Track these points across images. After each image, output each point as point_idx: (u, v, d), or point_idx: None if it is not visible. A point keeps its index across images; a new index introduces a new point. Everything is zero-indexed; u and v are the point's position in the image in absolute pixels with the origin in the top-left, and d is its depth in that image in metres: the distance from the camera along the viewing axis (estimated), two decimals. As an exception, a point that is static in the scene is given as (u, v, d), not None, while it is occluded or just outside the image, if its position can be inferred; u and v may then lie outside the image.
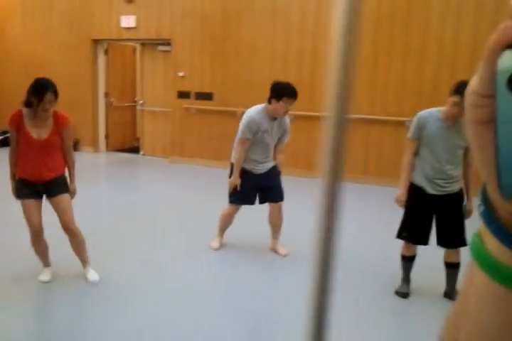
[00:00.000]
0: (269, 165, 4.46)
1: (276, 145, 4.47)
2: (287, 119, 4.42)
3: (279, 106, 4.10)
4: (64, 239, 3.77)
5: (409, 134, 3.55)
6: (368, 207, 6.12)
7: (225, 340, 3.11)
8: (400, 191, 3.63)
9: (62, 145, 3.70)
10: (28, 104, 3.52)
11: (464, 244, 3.61)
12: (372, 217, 5.68)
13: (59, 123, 3.61)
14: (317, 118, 7.62)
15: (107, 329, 3.15)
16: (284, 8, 7.70)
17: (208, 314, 3.41)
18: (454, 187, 3.54)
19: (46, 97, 3.43)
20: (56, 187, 3.71)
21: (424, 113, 3.51)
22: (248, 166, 4.39)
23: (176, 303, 3.54)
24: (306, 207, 6.18)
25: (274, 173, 4.52)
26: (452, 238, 3.62)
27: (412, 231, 3.69)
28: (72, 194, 3.78)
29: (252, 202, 4.52)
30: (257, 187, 4.48)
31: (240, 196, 4.46)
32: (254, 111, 4.26)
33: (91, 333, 3.12)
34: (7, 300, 3.54)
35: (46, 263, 3.90)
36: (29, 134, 3.56)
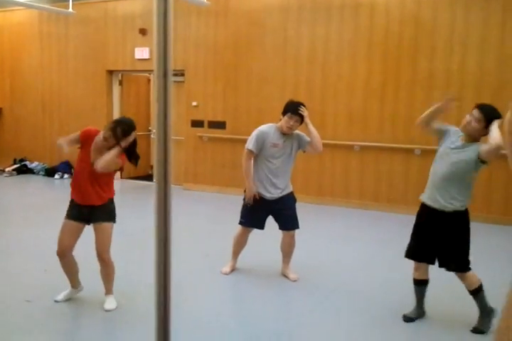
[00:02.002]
0: (283, 191, 4.50)
1: (310, 143, 4.46)
2: (304, 136, 4.49)
3: (283, 121, 4.34)
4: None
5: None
6: (378, 233, 6.18)
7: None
8: None
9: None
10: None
11: (463, 268, 3.55)
12: (383, 243, 5.73)
13: None
14: (328, 145, 7.74)
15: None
16: (294, 39, 7.92)
17: (218, 338, 3.47)
18: (453, 206, 3.49)
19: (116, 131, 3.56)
20: (102, 213, 3.76)
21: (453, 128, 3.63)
22: (259, 190, 4.46)
23: (187, 327, 3.60)
24: (316, 233, 6.26)
25: (288, 200, 4.56)
26: (449, 260, 3.57)
27: (415, 249, 3.69)
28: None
29: (261, 227, 4.58)
30: (268, 213, 4.55)
31: (250, 218, 4.54)
32: (265, 125, 4.50)
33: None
34: (22, 321, 3.62)
35: (72, 284, 3.98)
36: (88, 155, 3.68)
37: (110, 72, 9.74)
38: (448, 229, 3.54)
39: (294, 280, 4.54)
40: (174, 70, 8.92)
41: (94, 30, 9.67)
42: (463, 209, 3.51)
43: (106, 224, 3.78)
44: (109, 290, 3.92)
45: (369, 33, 7.43)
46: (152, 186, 9.51)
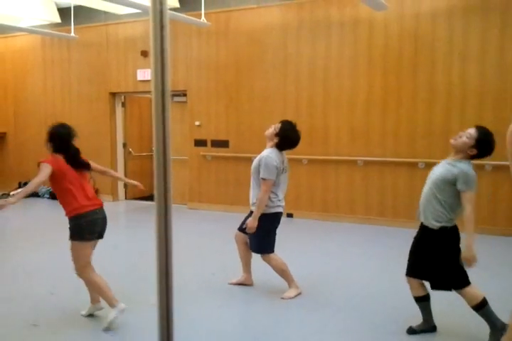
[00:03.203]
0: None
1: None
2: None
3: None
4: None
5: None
6: (384, 248, 6.13)
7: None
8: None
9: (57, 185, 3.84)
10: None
11: (454, 285, 3.48)
12: (389, 258, 5.68)
13: None
14: (332, 161, 7.75)
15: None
16: (294, 56, 7.99)
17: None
18: (429, 221, 3.48)
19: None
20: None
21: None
22: (278, 209, 4.42)
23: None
24: (321, 250, 6.22)
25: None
26: (436, 277, 3.53)
27: (407, 264, 3.71)
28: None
29: None
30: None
31: (273, 241, 4.48)
32: (267, 151, 4.43)
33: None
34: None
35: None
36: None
37: (113, 94, 9.82)
38: (433, 245, 3.50)
39: (287, 298, 4.47)
40: (176, 91, 9.02)
41: (97, 53, 9.78)
42: (449, 225, 3.45)
43: (70, 242, 3.79)
44: (109, 303, 3.84)
45: (368, 49, 7.49)
46: (155, 206, 9.49)
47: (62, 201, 3.83)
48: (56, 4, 9.58)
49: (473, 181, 3.35)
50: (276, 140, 4.42)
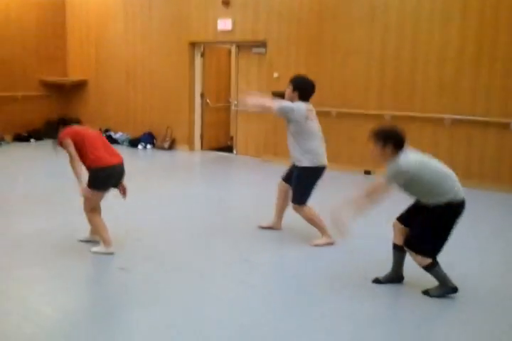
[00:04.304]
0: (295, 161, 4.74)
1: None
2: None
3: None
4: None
5: None
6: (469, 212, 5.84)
7: None
8: None
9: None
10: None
11: (413, 246, 3.55)
12: (475, 221, 5.41)
13: None
14: (417, 119, 7.40)
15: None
16: (382, 7, 7.55)
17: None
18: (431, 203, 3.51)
19: None
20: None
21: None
22: (321, 160, 4.60)
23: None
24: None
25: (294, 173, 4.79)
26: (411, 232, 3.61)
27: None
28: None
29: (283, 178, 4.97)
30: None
31: (308, 195, 4.65)
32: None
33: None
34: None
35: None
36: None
37: (193, 44, 9.74)
38: (432, 213, 3.53)
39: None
40: (256, 41, 8.82)
41: (177, 2, 9.66)
42: (441, 203, 3.47)
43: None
44: (103, 242, 4.32)
45: (464, -1, 6.94)
46: (231, 157, 9.60)
47: (85, 156, 4.15)
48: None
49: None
50: (296, 95, 4.57)
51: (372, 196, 3.50)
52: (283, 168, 5.14)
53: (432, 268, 3.54)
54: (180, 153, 9.85)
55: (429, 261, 3.52)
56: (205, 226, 5.27)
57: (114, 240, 4.37)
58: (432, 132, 7.36)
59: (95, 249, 4.34)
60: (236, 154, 9.78)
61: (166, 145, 10.01)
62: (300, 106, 4.50)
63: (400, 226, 3.70)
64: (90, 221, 4.34)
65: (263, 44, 8.86)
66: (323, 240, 4.69)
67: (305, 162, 4.54)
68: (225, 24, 9.09)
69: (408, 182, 3.45)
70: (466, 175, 7.17)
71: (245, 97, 4.76)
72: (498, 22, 6.74)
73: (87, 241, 4.58)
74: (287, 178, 4.84)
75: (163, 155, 9.70)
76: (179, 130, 10.04)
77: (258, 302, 3.54)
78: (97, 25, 10.94)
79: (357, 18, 7.77)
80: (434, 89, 7.30)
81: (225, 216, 5.77)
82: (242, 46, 9.46)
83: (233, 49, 10.04)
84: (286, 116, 4.51)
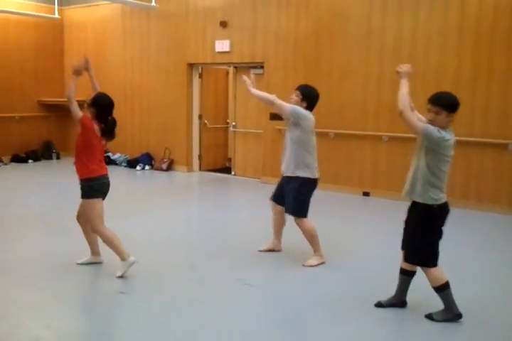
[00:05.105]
0: (286, 171, 4.73)
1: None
2: None
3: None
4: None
5: None
6: (466, 233, 5.82)
7: None
8: None
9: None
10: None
11: (413, 260, 3.54)
12: (475, 245, 5.38)
13: None
14: (413, 139, 7.39)
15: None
16: (379, 29, 7.62)
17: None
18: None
19: None
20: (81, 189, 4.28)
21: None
22: (317, 174, 4.61)
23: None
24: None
25: (288, 184, 4.75)
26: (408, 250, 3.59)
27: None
28: None
29: (275, 200, 4.88)
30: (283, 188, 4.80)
31: (308, 206, 4.63)
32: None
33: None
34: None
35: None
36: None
37: (191, 65, 9.81)
38: (416, 219, 3.58)
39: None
40: (254, 62, 8.88)
41: (176, 23, 9.76)
42: (429, 202, 3.49)
43: (83, 201, 4.30)
44: (120, 257, 4.26)
45: (460, 22, 7.00)
46: (229, 178, 9.58)
47: (85, 165, 4.23)
48: (138, -27, 9.60)
49: None
50: (305, 104, 4.65)
51: (408, 105, 3.76)
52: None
53: (444, 289, 3.48)
54: (179, 174, 9.84)
55: (445, 279, 3.47)
56: (203, 248, 5.24)
57: (112, 262, 4.33)
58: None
59: (119, 273, 4.22)
60: (234, 175, 9.77)
61: (164, 166, 10.00)
62: (310, 116, 4.60)
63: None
64: (102, 235, 4.25)
65: (261, 65, 8.92)
66: (315, 260, 4.66)
67: (301, 173, 4.54)
68: (222, 45, 9.17)
69: (435, 149, 3.53)
70: (464, 196, 7.19)
71: (248, 85, 4.92)
72: (494, 44, 6.80)
73: (88, 264, 4.54)
74: (277, 198, 4.80)
75: (161, 176, 9.68)
76: (177, 151, 10.04)
77: (256, 326, 3.49)
78: (94, 46, 11.02)
79: (354, 39, 7.85)
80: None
81: (222, 238, 5.73)
82: (240, 67, 9.53)
83: (231, 70, 10.11)
84: (297, 120, 4.49)
